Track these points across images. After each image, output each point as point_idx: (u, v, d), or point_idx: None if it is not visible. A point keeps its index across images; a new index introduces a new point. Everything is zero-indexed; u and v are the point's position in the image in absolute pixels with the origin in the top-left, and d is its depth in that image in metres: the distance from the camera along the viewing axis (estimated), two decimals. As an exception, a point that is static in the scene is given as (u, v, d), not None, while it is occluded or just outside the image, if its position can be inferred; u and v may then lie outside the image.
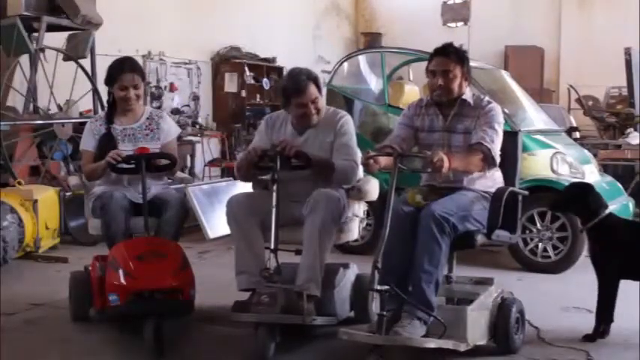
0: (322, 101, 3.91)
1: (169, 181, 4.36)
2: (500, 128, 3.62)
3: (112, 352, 3.66)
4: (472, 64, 3.83)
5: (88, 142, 4.16)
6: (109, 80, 4.12)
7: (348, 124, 3.90)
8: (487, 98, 3.82)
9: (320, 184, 3.72)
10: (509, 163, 3.75)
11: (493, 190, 3.59)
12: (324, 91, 5.30)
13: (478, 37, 12.42)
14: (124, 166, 3.93)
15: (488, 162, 3.57)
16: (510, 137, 3.77)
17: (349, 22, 14.54)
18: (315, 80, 3.82)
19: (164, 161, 4.05)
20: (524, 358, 3.52)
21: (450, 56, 3.65)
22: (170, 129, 4.25)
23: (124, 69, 4.09)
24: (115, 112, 4.18)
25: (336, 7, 14.07)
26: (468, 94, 3.71)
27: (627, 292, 3.89)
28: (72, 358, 3.62)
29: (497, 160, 3.61)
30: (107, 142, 4.06)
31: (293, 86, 3.79)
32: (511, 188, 3.62)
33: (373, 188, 3.95)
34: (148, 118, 4.20)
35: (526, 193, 3.81)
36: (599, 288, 3.80)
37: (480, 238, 3.51)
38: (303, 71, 3.85)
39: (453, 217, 3.36)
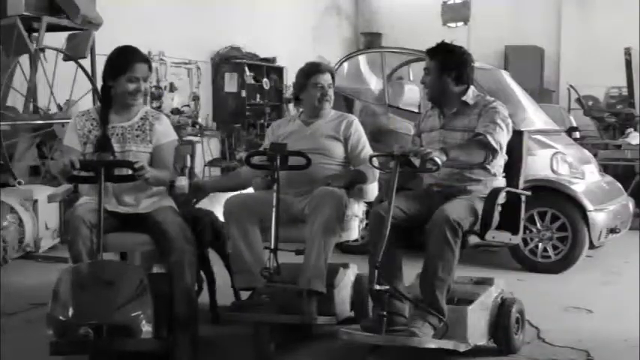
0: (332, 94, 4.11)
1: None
2: (503, 124, 3.55)
3: (111, 352, 3.65)
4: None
5: (69, 139, 3.69)
6: (117, 70, 3.64)
7: (359, 126, 4.06)
8: (491, 98, 3.78)
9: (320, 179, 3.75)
10: (513, 163, 3.73)
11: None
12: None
13: (478, 37, 12.43)
14: (83, 174, 3.43)
15: (489, 148, 3.47)
16: (515, 137, 3.72)
17: (349, 22, 14.54)
18: (331, 71, 4.13)
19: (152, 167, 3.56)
20: (524, 358, 3.52)
21: (432, 58, 3.71)
22: (166, 131, 3.73)
23: (136, 59, 3.68)
24: (109, 109, 3.68)
25: (336, 7, 14.06)
26: (469, 94, 3.70)
27: (627, 293, 3.89)
28: (72, 358, 3.61)
29: (501, 152, 3.55)
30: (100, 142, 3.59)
31: (312, 67, 4.08)
32: (507, 188, 3.60)
33: (373, 188, 3.95)
34: (142, 118, 3.68)
35: (528, 193, 3.76)
36: None
37: (472, 239, 3.44)
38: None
39: (463, 220, 3.33)
